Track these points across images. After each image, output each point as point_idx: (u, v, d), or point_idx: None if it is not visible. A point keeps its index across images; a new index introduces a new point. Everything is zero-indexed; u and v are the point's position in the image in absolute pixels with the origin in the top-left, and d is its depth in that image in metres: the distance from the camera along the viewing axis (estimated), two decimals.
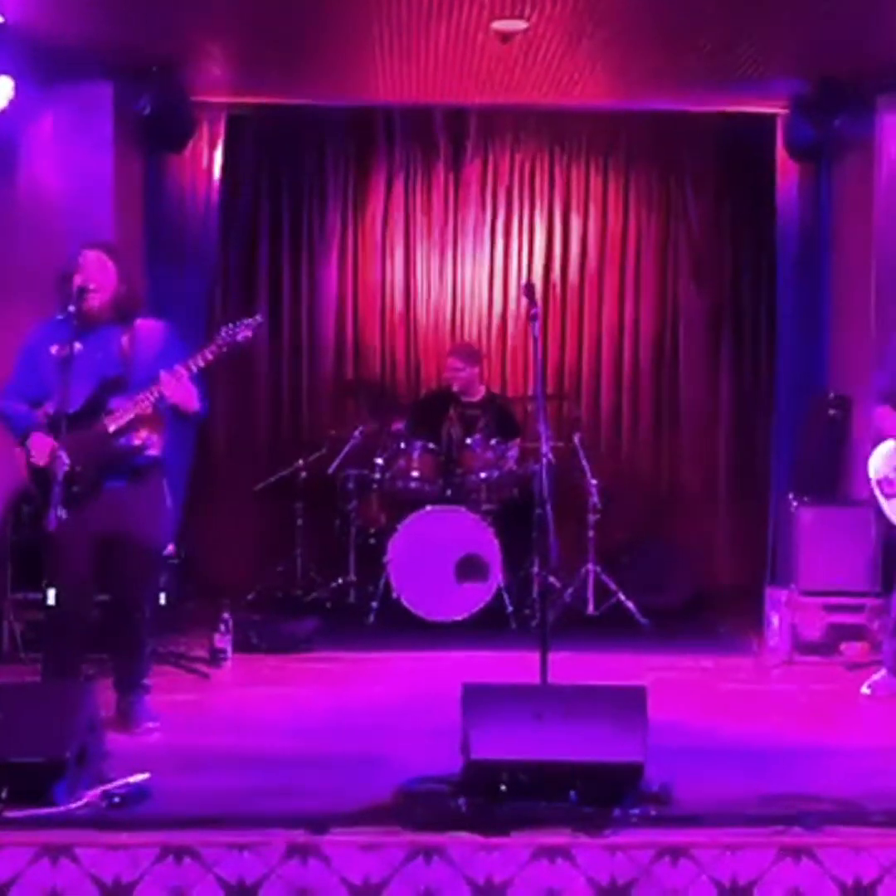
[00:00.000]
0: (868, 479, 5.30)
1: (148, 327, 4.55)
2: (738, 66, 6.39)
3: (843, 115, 6.62)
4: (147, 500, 4.52)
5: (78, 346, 4.30)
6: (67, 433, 4.24)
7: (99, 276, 4.43)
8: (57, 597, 4.49)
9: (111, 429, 4.36)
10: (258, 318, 4.55)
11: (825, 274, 7.19)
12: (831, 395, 6.99)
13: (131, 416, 4.36)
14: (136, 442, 4.41)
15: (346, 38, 6.03)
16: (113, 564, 4.48)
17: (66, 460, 4.20)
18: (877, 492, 5.28)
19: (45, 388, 4.39)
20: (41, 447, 4.31)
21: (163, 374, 4.34)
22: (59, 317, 4.43)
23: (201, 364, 4.39)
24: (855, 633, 5.97)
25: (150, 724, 4.46)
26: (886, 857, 3.22)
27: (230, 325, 4.48)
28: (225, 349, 4.44)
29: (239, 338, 4.45)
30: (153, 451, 4.49)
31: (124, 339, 4.46)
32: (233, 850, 3.17)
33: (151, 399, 4.35)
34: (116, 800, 3.45)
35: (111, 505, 4.38)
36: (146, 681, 4.61)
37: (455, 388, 7.19)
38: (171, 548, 4.78)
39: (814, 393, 7.20)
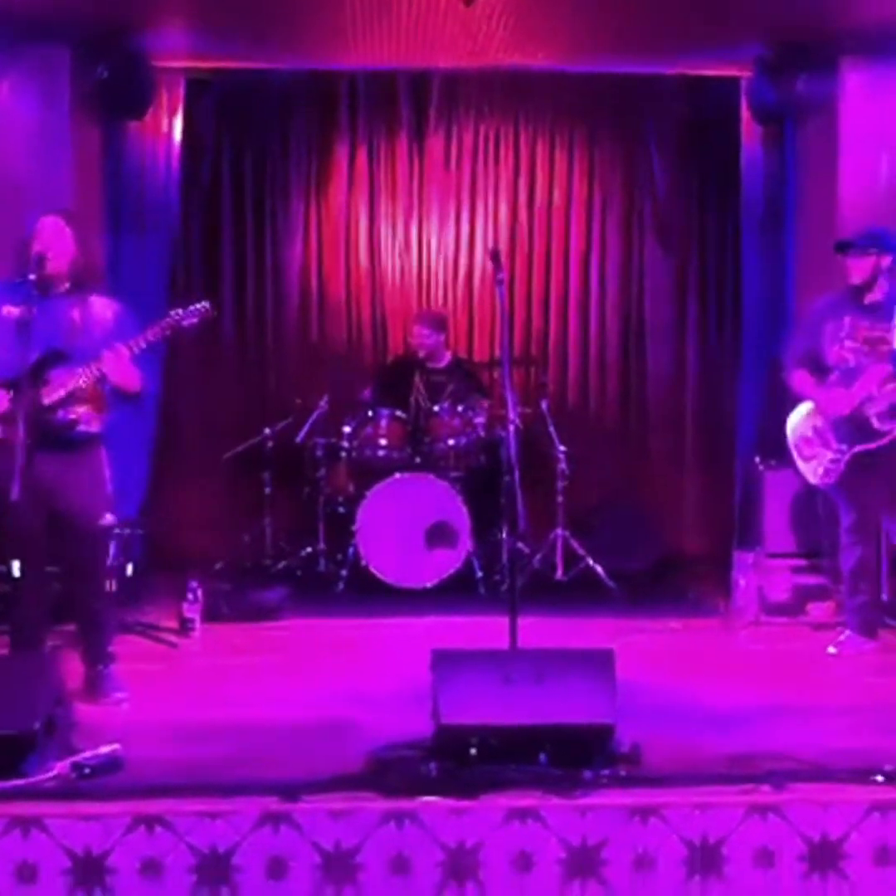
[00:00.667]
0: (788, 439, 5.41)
1: (101, 304, 4.51)
2: (701, 29, 6.37)
3: (806, 77, 6.61)
4: (82, 472, 4.46)
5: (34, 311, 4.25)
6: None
7: (57, 243, 4.39)
8: (20, 568, 4.47)
9: (44, 401, 4.32)
10: (207, 305, 4.51)
11: (790, 236, 7.19)
12: None
13: (66, 390, 4.32)
14: (72, 416, 4.37)
15: (308, 1, 5.96)
16: (56, 536, 4.46)
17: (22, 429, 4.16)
18: (795, 454, 5.37)
19: None
20: None
21: (104, 353, 4.30)
22: (16, 280, 4.37)
23: (143, 345, 4.37)
24: (821, 593, 6.03)
25: (119, 695, 4.46)
26: (852, 814, 3.26)
27: (179, 310, 4.46)
28: (169, 332, 4.43)
29: (184, 323, 4.44)
30: (91, 427, 4.44)
31: (76, 313, 4.42)
32: (204, 819, 3.17)
33: (91, 376, 4.32)
34: (87, 770, 3.44)
35: (48, 477, 4.33)
36: (111, 649, 4.59)
37: (421, 355, 7.17)
38: (109, 517, 4.71)
39: (779, 356, 7.21)
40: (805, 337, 5.41)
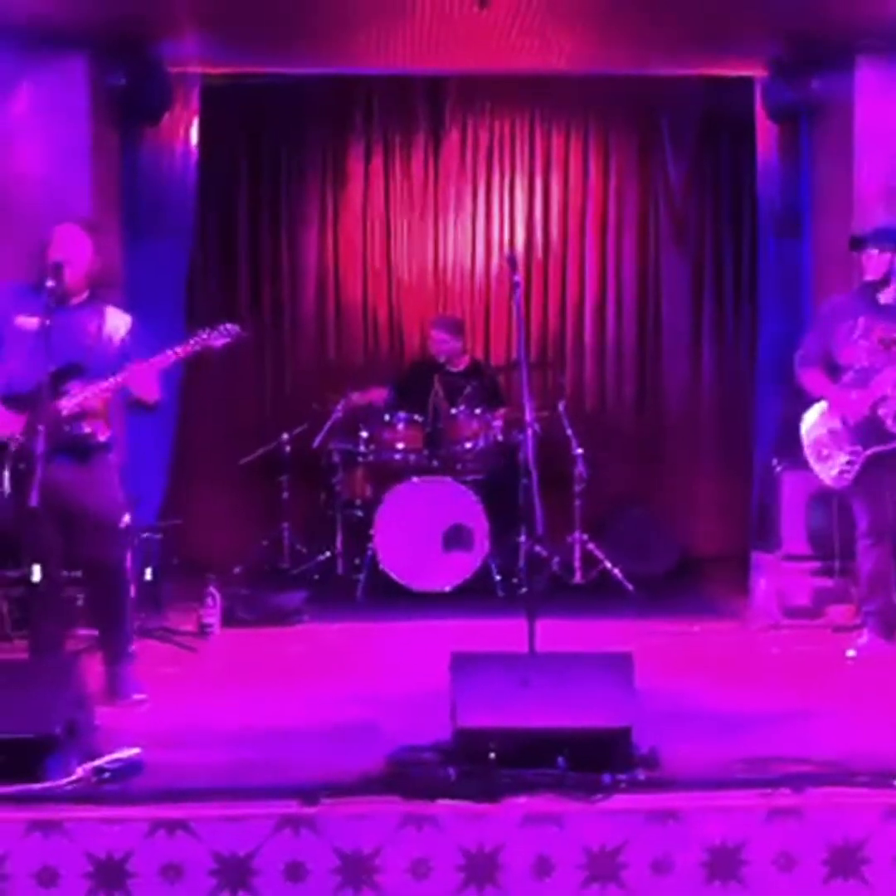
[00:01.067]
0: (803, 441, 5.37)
1: (117, 316, 4.52)
2: (716, 30, 6.36)
3: (821, 75, 6.61)
4: (92, 475, 4.47)
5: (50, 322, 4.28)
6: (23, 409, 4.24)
7: (75, 252, 4.40)
8: (39, 573, 4.49)
9: (63, 412, 4.34)
10: (237, 328, 4.52)
11: (807, 236, 7.17)
12: None
13: (86, 403, 4.34)
14: (86, 430, 4.40)
15: (322, 6, 5.98)
16: (73, 540, 4.48)
17: (20, 436, 4.21)
18: (809, 455, 5.33)
19: (2, 356, 4.37)
20: (8, 422, 4.29)
21: (131, 367, 4.32)
22: (29, 286, 4.39)
23: (171, 361, 4.40)
24: (840, 596, 6.01)
25: (137, 696, 4.47)
26: (873, 818, 3.25)
27: (208, 329, 4.48)
28: (199, 349, 4.43)
29: (213, 343, 4.44)
30: (101, 437, 4.46)
31: (93, 325, 4.44)
32: (224, 823, 3.18)
33: (112, 388, 4.34)
34: (107, 774, 3.45)
35: (63, 484, 4.35)
36: (130, 649, 4.61)
37: (440, 359, 7.18)
38: (127, 518, 4.75)
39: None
40: (819, 336, 5.37)
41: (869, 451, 5.11)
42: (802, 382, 5.40)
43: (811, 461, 5.35)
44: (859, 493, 5.24)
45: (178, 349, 4.41)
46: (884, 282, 5.16)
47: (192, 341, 4.44)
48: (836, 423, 5.22)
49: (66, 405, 4.34)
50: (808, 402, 5.43)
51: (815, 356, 5.34)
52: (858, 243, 5.27)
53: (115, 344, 4.44)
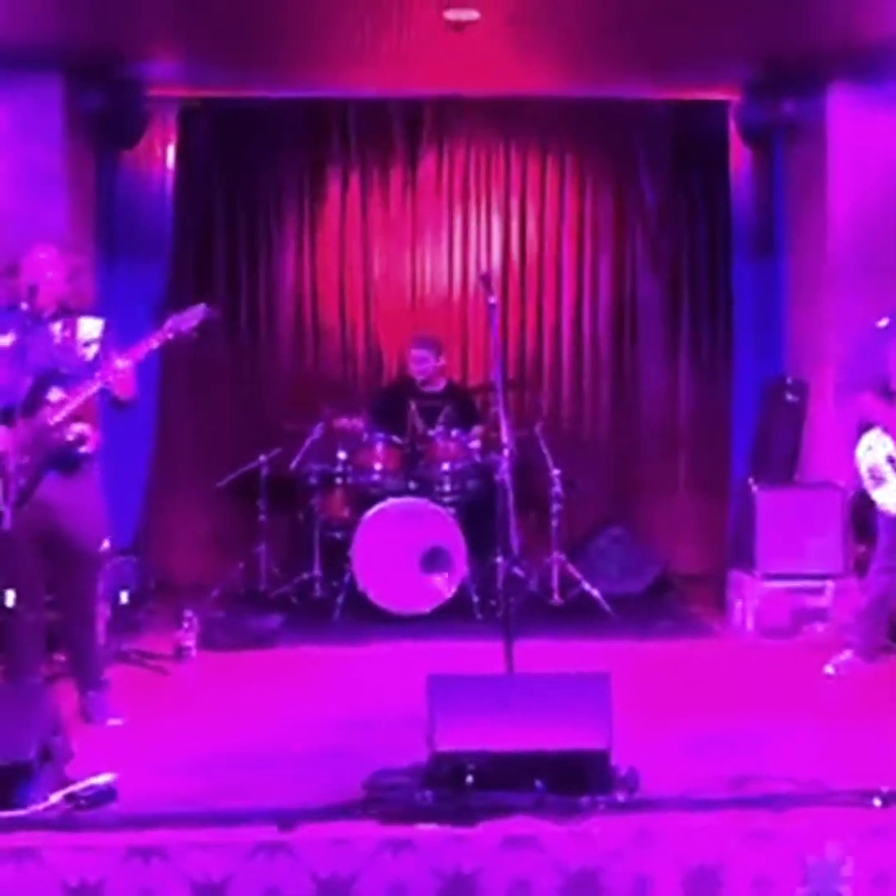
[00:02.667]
0: (856, 467, 5.27)
1: (89, 321, 4.52)
2: (689, 53, 6.41)
3: (794, 99, 6.68)
4: (80, 495, 4.46)
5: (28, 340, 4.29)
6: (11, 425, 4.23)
7: (48, 274, 4.42)
8: (15, 598, 4.46)
9: (51, 421, 4.33)
10: (203, 306, 4.49)
11: (781, 258, 7.23)
12: (789, 379, 7.03)
13: (71, 407, 4.33)
14: (70, 436, 4.38)
15: (297, 31, 5.99)
16: (52, 561, 4.46)
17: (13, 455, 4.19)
18: (868, 481, 5.24)
19: None
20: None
21: (111, 363, 4.32)
22: (6, 307, 4.39)
23: (146, 352, 4.39)
24: (817, 615, 6.03)
25: (113, 721, 4.44)
26: (851, 837, 3.25)
27: (177, 314, 4.46)
28: (171, 337, 4.41)
29: (184, 327, 4.43)
30: (87, 447, 4.44)
31: (65, 333, 4.45)
32: (200, 849, 3.16)
33: (94, 388, 4.33)
34: (82, 801, 3.43)
35: (45, 500, 4.34)
36: (104, 676, 4.58)
37: (418, 379, 7.18)
38: (106, 544, 4.72)
39: (772, 377, 7.24)
40: (870, 359, 5.27)
41: None
42: (856, 406, 5.29)
43: (867, 486, 5.25)
44: None
45: (152, 339, 4.40)
46: None
47: (164, 328, 4.42)
48: (892, 449, 5.16)
49: (51, 413, 4.32)
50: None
51: (867, 380, 5.24)
52: None
53: (90, 347, 4.44)
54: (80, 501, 4.46)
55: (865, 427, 5.28)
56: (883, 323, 5.34)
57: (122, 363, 4.32)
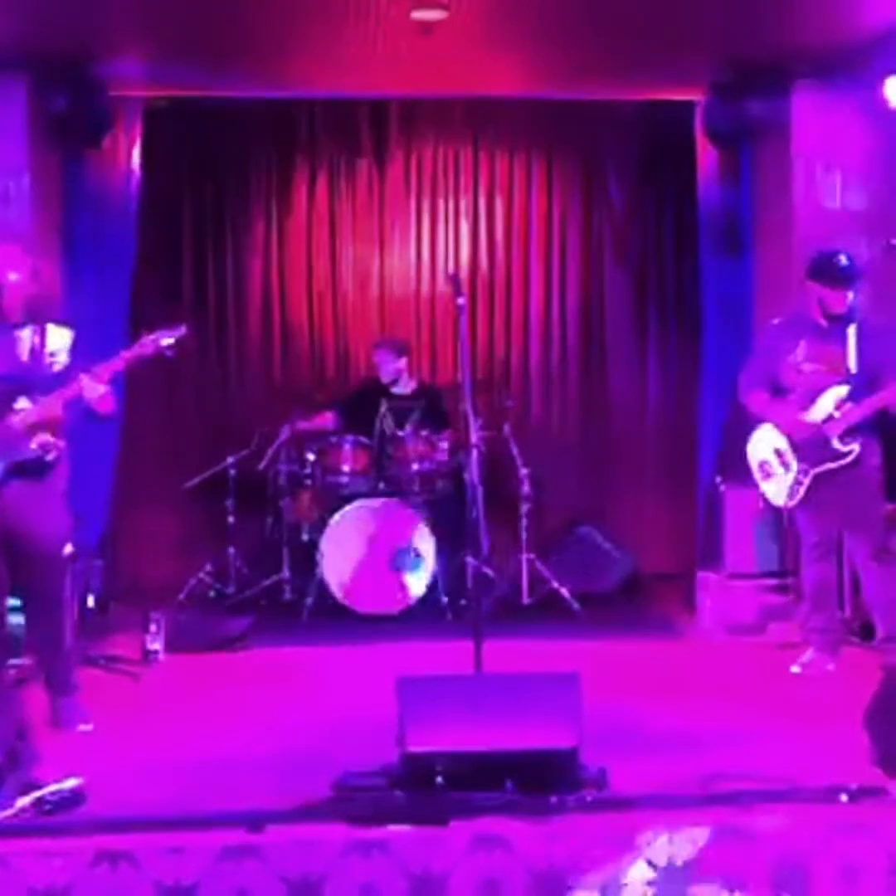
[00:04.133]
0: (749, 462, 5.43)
1: (58, 331, 4.48)
2: (656, 55, 6.44)
3: (760, 99, 6.71)
4: (41, 499, 4.42)
5: None
6: None
7: (11, 274, 4.38)
8: None
9: (15, 430, 4.29)
10: (182, 328, 4.48)
11: (748, 256, 7.27)
12: None
13: (36, 418, 4.30)
14: (33, 445, 4.34)
15: (263, 31, 5.98)
16: (16, 566, 4.42)
17: None
18: (757, 476, 5.41)
19: None
20: None
21: (84, 377, 4.29)
22: None
23: (121, 367, 4.37)
24: (784, 612, 6.06)
25: (83, 727, 4.41)
26: (819, 833, 3.27)
27: (153, 333, 4.44)
28: (146, 352, 4.39)
29: (161, 344, 4.41)
30: (50, 455, 4.41)
31: (33, 340, 4.40)
32: (169, 853, 3.13)
33: (64, 399, 4.30)
34: (48, 806, 3.39)
35: (7, 506, 4.31)
36: (72, 680, 4.54)
37: (384, 380, 7.18)
38: (70, 547, 4.69)
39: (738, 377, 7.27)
40: (763, 358, 5.45)
41: (816, 470, 5.16)
42: (747, 404, 5.45)
43: (759, 482, 5.40)
44: (805, 510, 5.31)
45: (126, 354, 4.38)
46: (847, 318, 5.20)
47: (137, 344, 4.41)
48: (782, 443, 5.28)
49: (16, 421, 4.29)
50: (751, 423, 5.49)
51: (759, 378, 5.40)
52: (846, 280, 5.16)
53: (57, 358, 4.40)
54: (42, 505, 4.42)
55: (757, 423, 5.41)
56: (775, 321, 5.51)
57: (93, 384, 4.28)
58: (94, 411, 4.39)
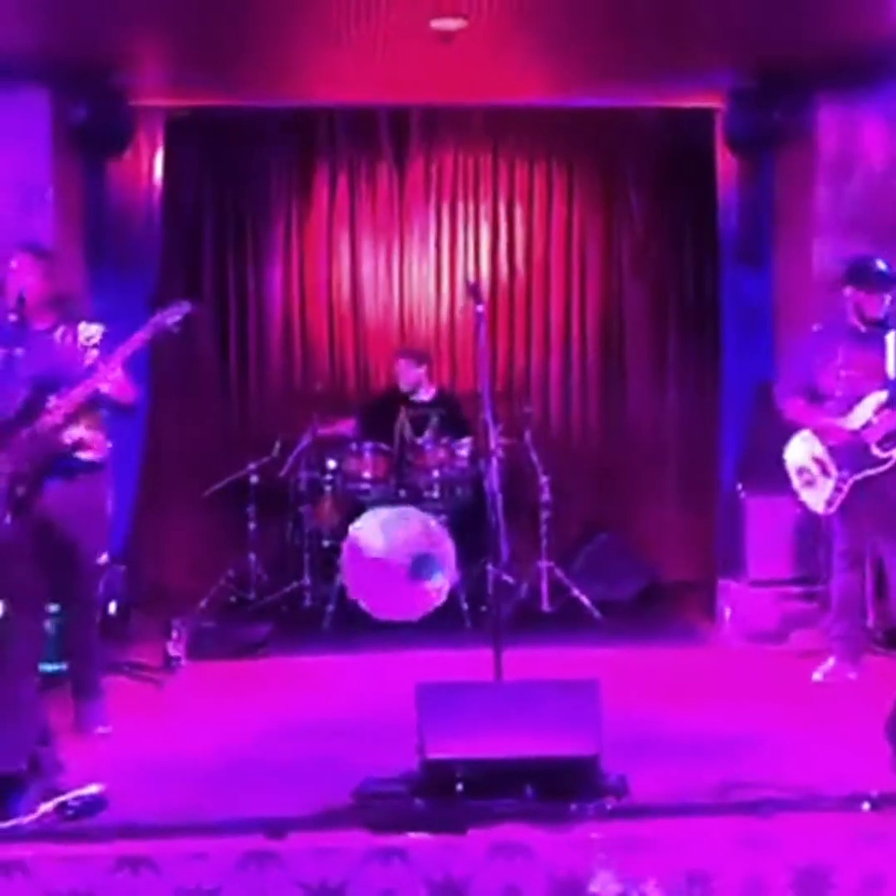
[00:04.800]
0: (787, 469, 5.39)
1: (87, 327, 4.53)
2: (676, 62, 6.43)
3: (782, 108, 6.69)
4: (80, 503, 4.47)
5: (19, 351, 4.31)
6: (6, 435, 4.25)
7: (30, 280, 4.45)
8: (8, 608, 4.46)
9: (48, 427, 4.34)
10: (187, 305, 4.53)
11: (768, 265, 7.24)
12: (776, 387, 7.04)
13: (65, 411, 4.34)
14: (67, 440, 4.38)
15: (283, 40, 6.00)
16: (52, 569, 4.45)
17: (9, 464, 4.18)
18: (796, 483, 5.36)
19: None
20: None
21: (98, 365, 4.34)
22: None
23: (131, 350, 4.40)
24: (806, 620, 6.03)
25: (101, 730, 4.44)
26: (841, 842, 3.25)
27: (160, 311, 4.49)
28: (155, 333, 4.44)
29: (168, 322, 4.45)
30: (91, 453, 4.45)
31: (64, 339, 4.48)
32: (190, 859, 3.15)
33: (86, 392, 4.34)
34: (70, 812, 3.42)
35: (46, 508, 4.36)
36: (99, 684, 4.58)
37: (404, 389, 7.19)
38: (104, 556, 4.72)
39: (760, 384, 7.25)
40: (800, 365, 5.39)
41: (855, 477, 5.12)
42: (784, 410, 5.40)
43: (798, 489, 5.35)
44: (841, 518, 5.26)
45: (135, 338, 4.41)
46: (885, 324, 5.18)
47: (147, 326, 4.45)
48: (821, 450, 5.24)
49: (48, 420, 4.33)
50: (780, 430, 5.45)
51: (797, 386, 5.35)
52: (881, 285, 5.18)
53: (89, 352, 4.45)
54: (82, 509, 4.47)
55: (795, 430, 5.37)
56: (815, 327, 5.47)
57: (107, 365, 4.33)
58: (116, 402, 4.43)
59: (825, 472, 5.22)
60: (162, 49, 6.32)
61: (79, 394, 4.34)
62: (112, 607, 6.00)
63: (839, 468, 5.16)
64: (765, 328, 7.22)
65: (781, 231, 7.16)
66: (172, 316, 4.47)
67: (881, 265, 5.20)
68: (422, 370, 7.22)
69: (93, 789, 3.52)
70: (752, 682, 5.37)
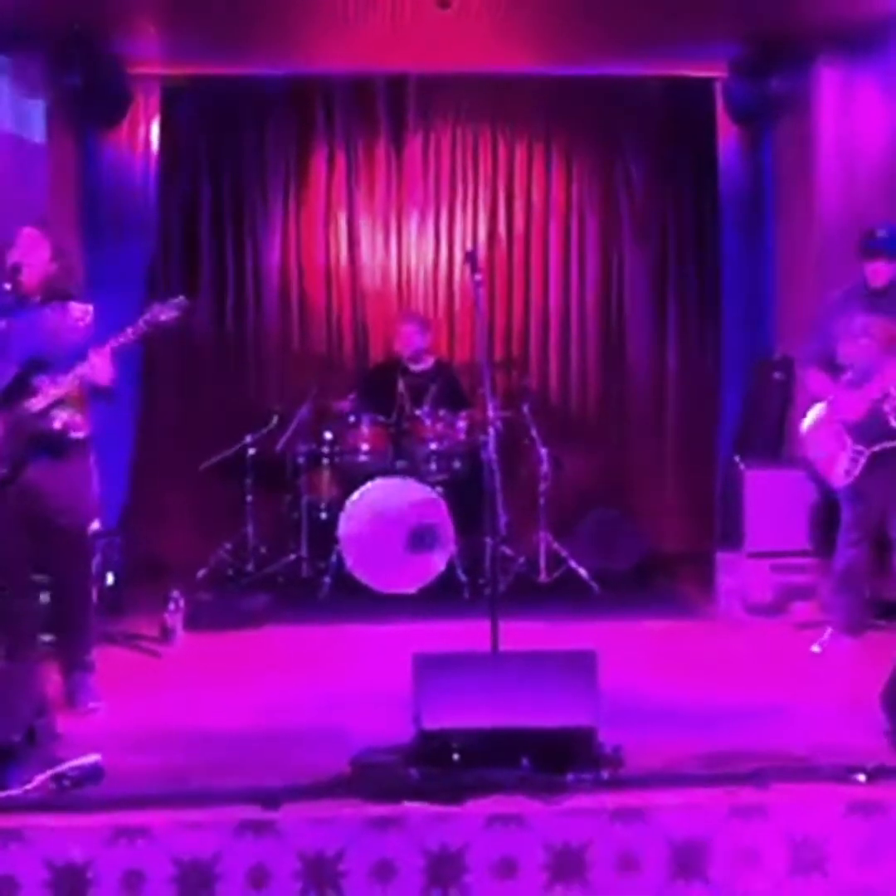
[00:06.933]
0: (802, 440, 5.35)
1: (79, 309, 4.49)
2: (675, 30, 6.39)
3: (781, 76, 6.65)
4: (69, 478, 4.46)
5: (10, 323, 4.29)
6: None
7: (32, 254, 4.40)
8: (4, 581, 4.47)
9: (34, 409, 4.32)
10: (183, 298, 4.50)
11: (769, 235, 7.22)
12: (777, 356, 7.03)
13: (53, 396, 4.32)
14: (57, 425, 4.36)
15: (281, 6, 5.95)
16: (40, 544, 4.45)
17: None
18: (811, 456, 5.32)
19: None
20: None
21: (91, 353, 4.31)
22: None
23: (123, 341, 4.37)
24: (804, 592, 6.04)
25: (92, 704, 4.44)
26: (835, 813, 3.26)
27: (156, 305, 4.45)
28: (149, 328, 4.41)
29: (163, 318, 4.42)
30: (77, 433, 4.43)
31: (55, 319, 4.42)
32: (186, 829, 3.15)
33: (76, 379, 4.32)
34: (67, 782, 3.42)
35: (32, 484, 4.35)
36: (88, 658, 4.57)
37: (406, 355, 7.17)
38: (96, 524, 4.70)
39: (760, 355, 7.24)
40: (818, 335, 5.31)
41: (873, 449, 5.08)
42: (803, 380, 5.36)
43: (813, 462, 5.31)
44: (853, 490, 5.20)
45: (129, 330, 4.39)
46: (885, 291, 5.13)
47: (142, 319, 4.41)
48: (838, 423, 5.18)
49: (35, 402, 4.31)
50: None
51: (815, 355, 5.30)
52: (872, 252, 5.12)
53: (78, 336, 4.41)
54: (69, 483, 4.45)
55: (814, 401, 5.33)
56: (833, 294, 5.40)
57: (99, 355, 4.31)
58: (96, 386, 4.40)
59: (842, 445, 5.17)
60: (158, 15, 6.27)
61: (69, 381, 4.32)
62: (109, 578, 6.01)
63: (856, 441, 5.12)
64: (765, 297, 7.19)
65: (782, 200, 7.13)
66: (168, 312, 4.43)
67: (880, 233, 5.14)
68: (427, 337, 7.20)
69: (90, 760, 3.52)
70: (750, 654, 5.38)
